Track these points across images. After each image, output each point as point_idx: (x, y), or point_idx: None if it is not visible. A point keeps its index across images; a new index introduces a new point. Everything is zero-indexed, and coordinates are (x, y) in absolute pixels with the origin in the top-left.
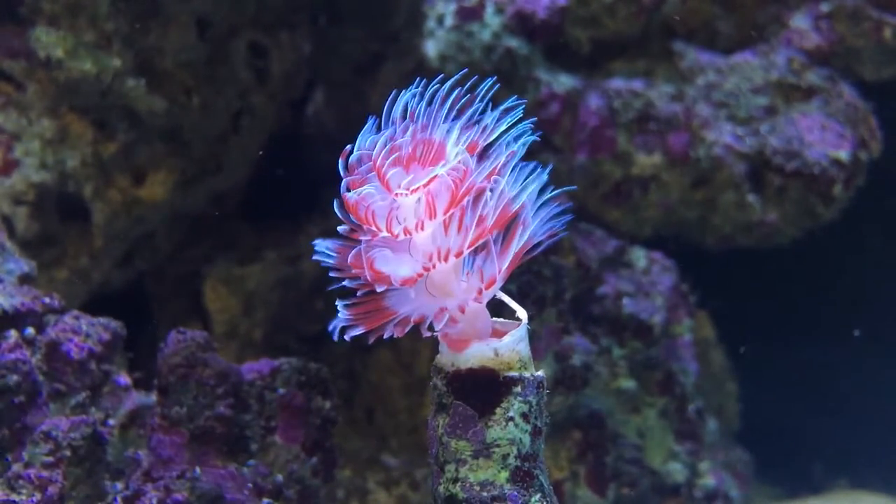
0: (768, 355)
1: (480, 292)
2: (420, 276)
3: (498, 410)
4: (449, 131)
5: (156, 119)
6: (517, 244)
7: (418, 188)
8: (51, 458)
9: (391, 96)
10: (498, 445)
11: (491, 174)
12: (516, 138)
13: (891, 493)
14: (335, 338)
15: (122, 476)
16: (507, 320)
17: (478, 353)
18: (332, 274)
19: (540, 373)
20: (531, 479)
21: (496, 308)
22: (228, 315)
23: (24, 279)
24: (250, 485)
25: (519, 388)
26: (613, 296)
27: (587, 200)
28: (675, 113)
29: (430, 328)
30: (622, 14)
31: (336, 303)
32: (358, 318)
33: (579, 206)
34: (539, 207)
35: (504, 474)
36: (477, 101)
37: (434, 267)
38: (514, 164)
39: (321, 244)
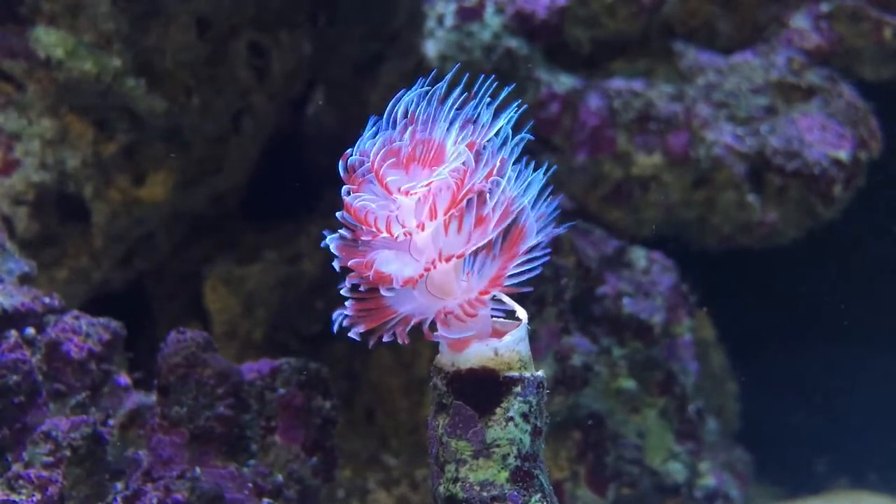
0: (768, 355)
1: (481, 293)
2: (421, 276)
3: (498, 410)
4: (448, 131)
5: (156, 119)
6: (517, 245)
7: (419, 189)
8: (51, 458)
9: (394, 97)
10: (498, 445)
11: (490, 174)
12: (513, 137)
13: (891, 493)
14: (334, 330)
15: (122, 476)
16: (506, 320)
17: (478, 353)
18: (337, 267)
19: (540, 373)
20: (531, 479)
21: (496, 308)
22: (228, 315)
23: (24, 279)
24: (250, 485)
25: (519, 388)
26: (613, 296)
27: (587, 200)
28: (675, 113)
29: (432, 327)
30: (622, 14)
31: (343, 298)
32: (360, 316)
33: (579, 206)
34: (539, 208)
35: (504, 474)
36: (477, 99)
37: (434, 267)
38: (513, 163)
39: (330, 238)
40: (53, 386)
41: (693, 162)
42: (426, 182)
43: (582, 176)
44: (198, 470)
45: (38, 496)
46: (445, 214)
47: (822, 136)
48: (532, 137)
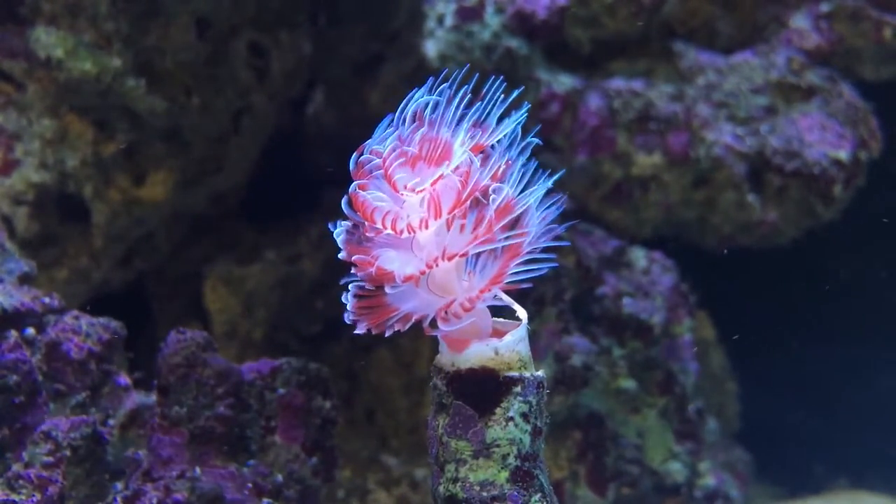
0: (768, 355)
1: (481, 292)
2: (423, 273)
3: (498, 410)
4: (455, 131)
5: (156, 119)
6: (519, 245)
7: (425, 187)
8: (51, 458)
9: (407, 96)
10: (498, 445)
11: (495, 175)
12: (520, 140)
13: (891, 493)
14: (348, 320)
15: (122, 476)
16: (506, 320)
17: (478, 353)
18: (342, 258)
19: (540, 373)
20: (531, 479)
21: (496, 308)
22: (228, 315)
23: (24, 279)
24: (250, 485)
25: (519, 388)
26: (613, 296)
27: (587, 200)
28: (675, 113)
29: (433, 324)
30: (622, 14)
31: (343, 297)
32: (362, 313)
33: (579, 206)
34: (542, 209)
35: (504, 474)
36: (485, 100)
37: (436, 265)
38: (518, 165)
39: (338, 231)
40: (53, 386)
41: (693, 162)
42: (432, 179)
43: (582, 176)
44: (198, 470)
45: (38, 496)
46: (449, 213)
47: (822, 136)
48: (539, 142)
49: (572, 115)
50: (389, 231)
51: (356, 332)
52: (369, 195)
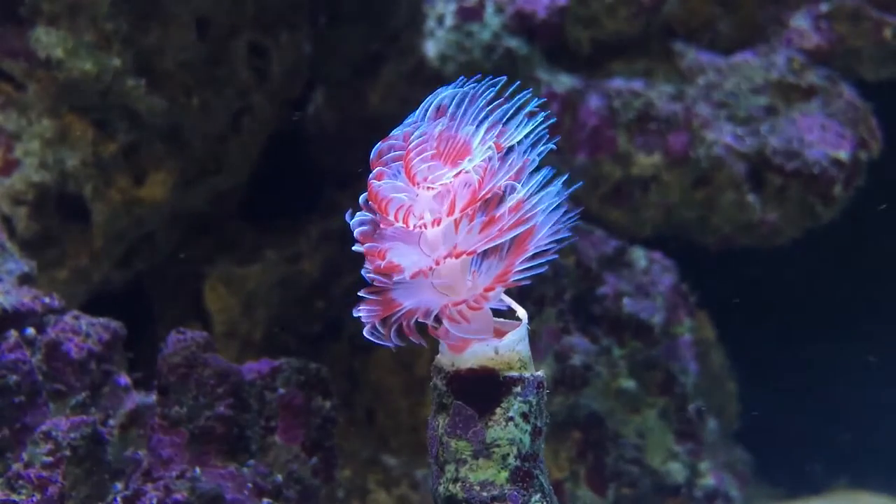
0: (768, 355)
1: (487, 290)
2: (430, 269)
3: (498, 410)
4: (475, 131)
5: (156, 119)
6: (526, 248)
7: (443, 183)
8: (51, 458)
9: (434, 92)
10: (498, 445)
11: (511, 177)
12: (534, 144)
13: (891, 493)
14: (355, 313)
15: (122, 476)
16: (506, 320)
17: (478, 353)
18: (355, 248)
19: (540, 373)
20: (531, 479)
21: (496, 308)
22: (228, 315)
23: (24, 279)
24: (250, 485)
25: (519, 388)
26: (613, 296)
27: (587, 200)
28: (675, 113)
29: (436, 320)
30: (622, 14)
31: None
32: (370, 305)
33: (579, 207)
34: (549, 212)
35: (504, 474)
36: (506, 103)
37: (444, 262)
38: (529, 168)
39: (354, 221)
40: (53, 386)
41: (693, 162)
42: (452, 175)
43: (582, 176)
44: (198, 470)
45: (37, 496)
46: (462, 211)
47: (821, 136)
48: (555, 147)
49: (572, 115)
50: (401, 224)
51: (362, 321)
52: (386, 185)
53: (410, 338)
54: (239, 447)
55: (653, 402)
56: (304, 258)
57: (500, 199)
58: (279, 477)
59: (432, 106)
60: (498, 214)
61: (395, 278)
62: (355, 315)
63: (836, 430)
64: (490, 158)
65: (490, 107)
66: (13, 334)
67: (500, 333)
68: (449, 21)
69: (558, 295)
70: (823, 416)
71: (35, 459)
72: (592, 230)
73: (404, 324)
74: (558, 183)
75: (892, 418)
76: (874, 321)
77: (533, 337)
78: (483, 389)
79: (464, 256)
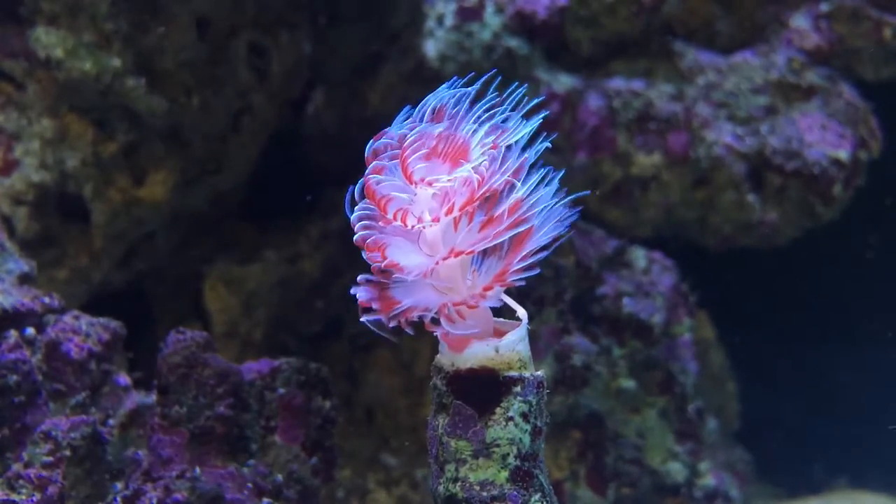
0: (768, 355)
1: (485, 289)
2: (432, 271)
3: (498, 410)
4: (474, 131)
5: (156, 119)
6: (525, 247)
7: (441, 182)
8: (51, 458)
9: (434, 92)
10: (498, 445)
11: (509, 176)
12: (532, 142)
13: (891, 493)
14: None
15: (122, 476)
16: (506, 320)
17: (478, 353)
18: (355, 241)
19: (540, 373)
20: (531, 478)
21: (496, 308)
22: (228, 315)
23: (24, 279)
24: (250, 485)
25: (519, 388)
26: (613, 296)
27: (587, 200)
28: (674, 113)
29: (434, 321)
30: (622, 14)
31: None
32: (371, 301)
33: (579, 206)
34: (547, 211)
35: (504, 474)
36: (505, 104)
37: (443, 261)
38: (527, 167)
39: (355, 216)
40: (53, 386)
41: (693, 162)
42: (450, 176)
43: (582, 176)
44: (198, 470)
45: (37, 496)
46: (461, 210)
47: (821, 136)
48: (549, 145)
49: (572, 115)
50: (399, 224)
51: (359, 301)
52: (382, 182)
53: (406, 330)
54: (239, 447)
55: (653, 401)
56: (304, 258)
57: (500, 197)
58: (279, 477)
59: (429, 106)
60: (496, 214)
61: (397, 276)
62: (356, 306)
63: (836, 430)
64: (491, 158)
65: (488, 105)
66: (13, 334)
67: (499, 333)
68: (449, 21)
69: (558, 295)
70: (823, 417)
71: (35, 459)
72: (592, 230)
73: (402, 321)
74: (556, 182)
75: (892, 418)
76: (874, 321)
77: (533, 337)
78: (483, 389)
79: (462, 256)
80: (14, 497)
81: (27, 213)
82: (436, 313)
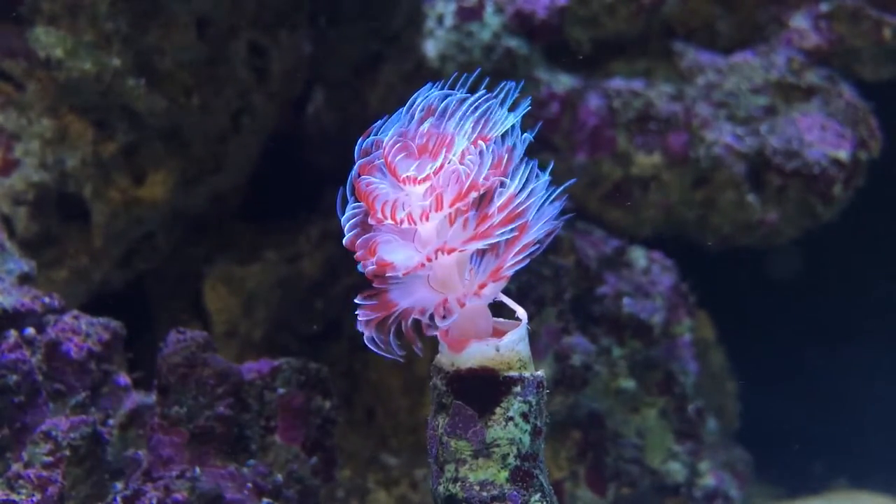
0: (768, 355)
1: (481, 287)
2: (422, 266)
3: (498, 410)
4: (461, 127)
5: (156, 119)
6: (519, 241)
7: (427, 177)
8: (51, 458)
9: (410, 96)
10: (498, 445)
11: (498, 167)
12: (520, 136)
13: (891, 493)
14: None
15: (122, 476)
16: (506, 320)
17: (478, 353)
18: (345, 243)
19: (540, 373)
20: (531, 478)
21: (496, 308)
22: (228, 315)
23: (24, 279)
24: (250, 485)
25: (519, 388)
26: (613, 296)
27: (587, 200)
28: (674, 113)
29: (432, 320)
30: (622, 14)
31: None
32: (368, 307)
33: (579, 206)
34: (541, 206)
35: (504, 474)
36: (490, 99)
37: (436, 258)
38: (518, 162)
39: (345, 217)
40: (53, 386)
41: (693, 162)
42: (433, 167)
43: (581, 176)
44: (198, 470)
45: (37, 496)
46: (451, 206)
47: (821, 136)
48: (532, 139)
49: (572, 115)
50: (390, 221)
51: (359, 328)
52: (371, 182)
53: (413, 346)
54: (239, 447)
55: (652, 401)
56: (304, 258)
57: (492, 196)
58: (279, 477)
59: (418, 104)
60: (490, 212)
61: (390, 274)
62: (355, 314)
63: (836, 430)
64: (479, 152)
65: (476, 101)
66: (13, 334)
67: (500, 333)
68: (449, 21)
69: (558, 295)
70: (823, 416)
71: (35, 459)
72: (592, 230)
73: (403, 324)
74: (546, 175)
75: (892, 418)
76: (874, 321)
77: (533, 337)
78: (483, 389)
79: (456, 254)
80: (14, 497)
81: (27, 213)
82: (433, 314)
